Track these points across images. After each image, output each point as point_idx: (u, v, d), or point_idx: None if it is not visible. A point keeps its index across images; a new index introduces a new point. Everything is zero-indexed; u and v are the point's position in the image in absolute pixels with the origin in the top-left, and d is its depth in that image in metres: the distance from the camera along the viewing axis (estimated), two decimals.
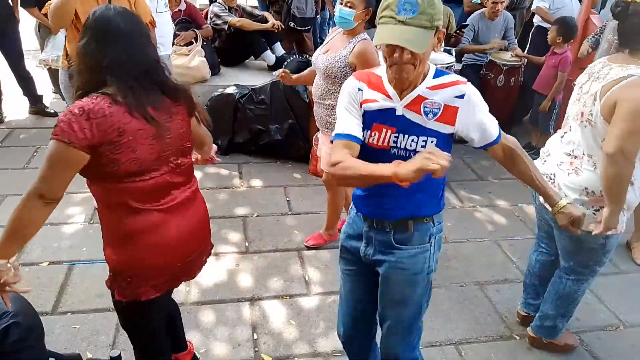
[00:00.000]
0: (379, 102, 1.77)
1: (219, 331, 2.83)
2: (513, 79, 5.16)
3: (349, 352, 2.29)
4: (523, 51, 5.44)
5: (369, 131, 1.78)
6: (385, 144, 1.77)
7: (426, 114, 1.72)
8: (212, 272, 3.19)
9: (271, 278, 3.27)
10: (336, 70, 2.93)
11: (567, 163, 2.38)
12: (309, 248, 3.57)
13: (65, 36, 3.25)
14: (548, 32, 4.77)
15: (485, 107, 1.77)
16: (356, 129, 1.78)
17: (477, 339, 2.91)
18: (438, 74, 1.76)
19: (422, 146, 1.73)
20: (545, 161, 2.54)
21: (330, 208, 3.59)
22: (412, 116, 1.73)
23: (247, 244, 3.59)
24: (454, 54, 5.14)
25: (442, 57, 4.71)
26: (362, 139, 1.78)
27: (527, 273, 2.96)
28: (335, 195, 3.49)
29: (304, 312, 3.01)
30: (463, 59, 5.49)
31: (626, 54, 2.21)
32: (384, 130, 1.76)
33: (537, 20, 5.56)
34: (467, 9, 6.00)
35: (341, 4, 2.90)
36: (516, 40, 5.62)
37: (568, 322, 2.78)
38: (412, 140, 1.73)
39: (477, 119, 1.75)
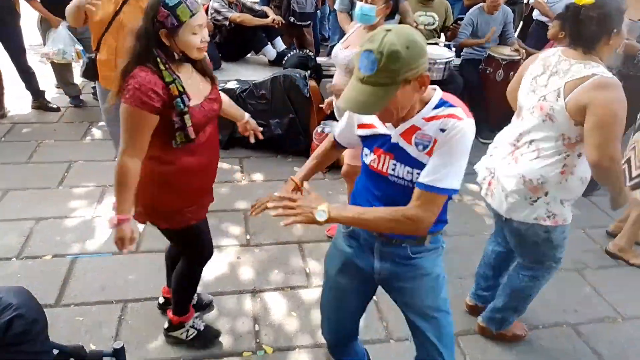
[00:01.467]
0: (377, 127, 1.75)
1: (220, 323, 2.87)
2: (512, 73, 5.15)
3: (332, 354, 2.28)
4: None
5: (371, 153, 1.78)
6: (385, 170, 1.74)
7: (417, 145, 1.65)
8: (213, 265, 3.22)
9: (272, 270, 3.30)
10: None
11: (510, 154, 2.37)
12: (330, 238, 3.58)
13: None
14: (549, 27, 4.77)
15: (450, 155, 1.60)
16: (342, 137, 2.01)
17: (474, 331, 2.93)
18: (440, 104, 1.64)
19: (416, 178, 1.67)
20: (491, 155, 2.53)
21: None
22: (405, 146, 1.67)
23: (248, 237, 3.61)
24: (453, 49, 5.14)
25: (442, 52, 4.73)
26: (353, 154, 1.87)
27: (482, 263, 2.96)
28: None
29: (304, 304, 3.04)
30: (462, 53, 5.49)
31: (579, 51, 2.19)
32: (383, 156, 1.74)
33: (536, 14, 5.56)
34: (466, 3, 5.99)
35: (361, 0, 2.90)
36: (515, 35, 5.62)
37: (519, 315, 2.80)
38: (408, 172, 1.69)
39: (436, 155, 1.61)
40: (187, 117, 1.98)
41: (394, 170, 1.72)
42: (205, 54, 2.14)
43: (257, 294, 3.10)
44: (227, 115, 2.47)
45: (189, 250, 2.46)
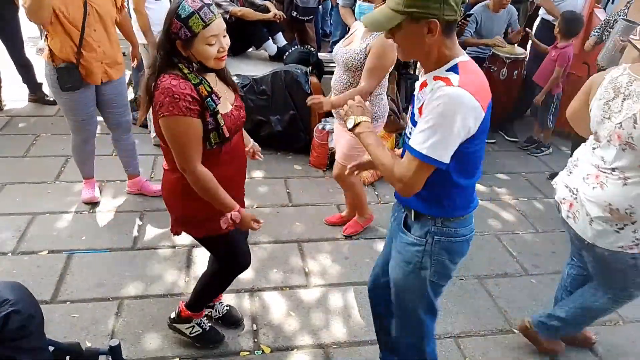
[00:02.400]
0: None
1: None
2: (516, 72, 5.15)
3: (369, 297, 2.38)
4: (525, 45, 5.40)
5: None
6: (409, 123, 1.81)
7: (418, 100, 1.69)
8: None
9: (271, 269, 3.27)
10: (356, 63, 2.97)
11: (593, 176, 2.21)
12: (347, 237, 3.63)
13: (46, 33, 3.21)
14: (555, 26, 4.75)
15: (431, 120, 1.56)
16: None
17: (476, 332, 2.91)
18: (453, 69, 1.62)
19: (410, 134, 1.72)
20: (571, 172, 2.38)
21: (350, 198, 3.68)
22: (416, 97, 1.73)
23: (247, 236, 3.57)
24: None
25: None
26: None
27: (559, 286, 2.81)
28: (348, 186, 3.51)
29: (303, 304, 3.01)
30: (465, 51, 5.44)
31: None
32: (411, 108, 1.82)
33: (541, 12, 5.53)
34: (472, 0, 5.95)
35: None
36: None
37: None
38: (409, 127, 1.76)
39: (423, 118, 1.61)
40: (219, 116, 1.97)
41: (409, 124, 1.80)
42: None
43: (256, 293, 3.07)
44: None
45: (222, 258, 2.44)
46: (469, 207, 1.86)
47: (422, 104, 1.62)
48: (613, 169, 2.15)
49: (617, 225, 2.16)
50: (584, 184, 2.24)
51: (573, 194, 2.30)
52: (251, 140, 2.53)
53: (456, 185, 1.75)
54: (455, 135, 1.57)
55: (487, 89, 1.67)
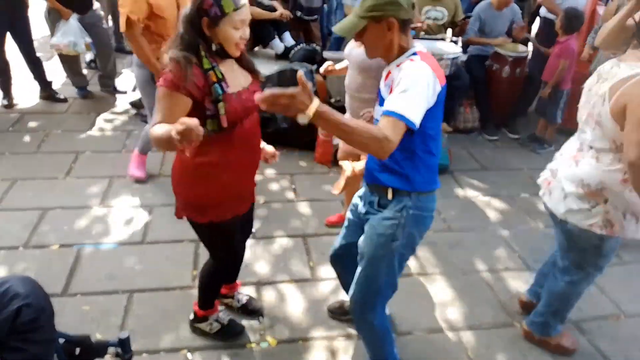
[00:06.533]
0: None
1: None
2: (518, 70, 5.15)
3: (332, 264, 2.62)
4: (527, 42, 5.42)
5: None
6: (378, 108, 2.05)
7: (387, 86, 1.93)
8: None
9: (277, 264, 3.32)
10: (372, 63, 2.84)
11: (571, 156, 2.35)
12: (322, 234, 3.66)
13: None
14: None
15: (403, 86, 1.77)
16: None
17: (477, 326, 2.94)
18: (413, 55, 1.91)
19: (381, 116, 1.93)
20: (555, 159, 2.53)
21: (350, 194, 3.67)
22: (382, 87, 2.00)
23: (254, 230, 3.62)
24: (460, 44, 5.13)
25: (448, 48, 4.72)
26: None
27: (547, 261, 2.93)
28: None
29: (308, 297, 3.06)
30: (469, 49, 5.48)
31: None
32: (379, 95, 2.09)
33: (543, 11, 5.55)
34: None
35: None
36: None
37: (562, 322, 2.74)
38: (379, 111, 1.97)
39: (394, 89, 1.82)
40: (221, 105, 1.99)
41: (377, 112, 2.05)
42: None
43: (262, 286, 3.12)
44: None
45: (213, 250, 2.46)
46: (435, 183, 2.10)
47: (392, 85, 1.86)
48: (590, 147, 2.26)
49: (589, 202, 2.24)
50: (563, 164, 2.39)
51: (553, 173, 2.45)
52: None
53: (422, 160, 1.99)
54: (423, 97, 1.79)
55: (443, 74, 1.93)
